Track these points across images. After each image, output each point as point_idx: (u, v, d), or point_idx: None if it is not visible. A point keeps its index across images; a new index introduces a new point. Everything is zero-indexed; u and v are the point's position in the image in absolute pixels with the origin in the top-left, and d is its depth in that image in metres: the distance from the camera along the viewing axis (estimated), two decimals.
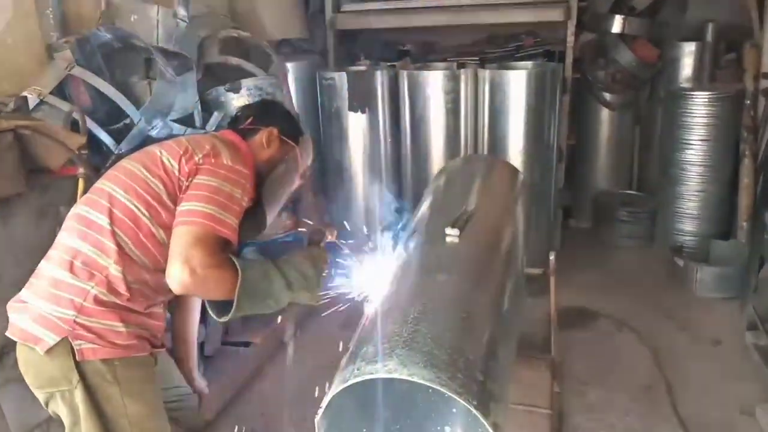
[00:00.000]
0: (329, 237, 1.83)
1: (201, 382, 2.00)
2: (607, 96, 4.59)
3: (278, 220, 3.61)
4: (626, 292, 3.75)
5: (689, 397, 2.72)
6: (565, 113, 4.08)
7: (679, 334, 3.28)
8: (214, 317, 1.65)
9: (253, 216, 1.74)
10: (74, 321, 1.43)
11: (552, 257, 2.48)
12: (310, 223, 2.08)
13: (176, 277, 1.44)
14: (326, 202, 4.07)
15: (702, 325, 3.35)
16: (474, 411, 1.32)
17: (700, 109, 3.93)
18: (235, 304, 1.49)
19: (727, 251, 3.79)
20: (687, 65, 4.29)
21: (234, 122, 1.92)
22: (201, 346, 2.80)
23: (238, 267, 1.49)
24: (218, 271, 1.48)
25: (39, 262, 1.53)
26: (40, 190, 1.71)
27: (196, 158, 1.59)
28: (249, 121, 1.86)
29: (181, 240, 1.47)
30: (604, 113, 4.67)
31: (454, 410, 1.72)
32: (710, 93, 3.91)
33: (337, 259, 1.84)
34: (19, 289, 1.52)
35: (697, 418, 2.57)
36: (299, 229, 3.64)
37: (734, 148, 3.94)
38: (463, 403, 1.32)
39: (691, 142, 4.00)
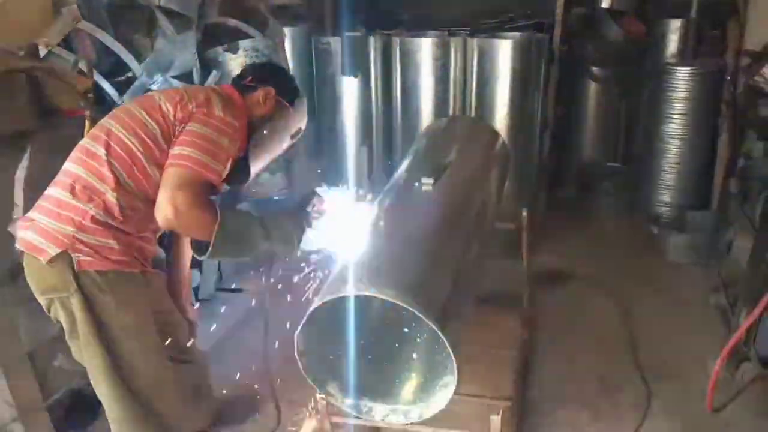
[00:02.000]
0: (317, 205, 1.97)
1: (192, 312, 2.19)
2: (595, 69, 4.72)
3: (272, 180, 3.78)
4: (603, 257, 3.93)
5: (650, 348, 2.93)
6: (552, 84, 4.22)
7: (649, 295, 3.47)
8: (195, 255, 1.84)
9: (237, 167, 1.91)
10: (74, 236, 1.63)
11: (524, 213, 2.65)
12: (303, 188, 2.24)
13: (162, 212, 1.62)
14: (319, 163, 4.22)
15: (671, 287, 3.54)
16: (433, 326, 1.50)
17: (682, 84, 4.08)
18: (211, 244, 1.66)
19: (702, 221, 3.96)
20: (672, 41, 4.42)
21: (237, 78, 2.08)
22: (196, 290, 2.98)
23: (218, 211, 1.66)
24: (200, 212, 1.65)
25: None
26: (50, 128, 1.87)
27: (190, 107, 1.76)
28: (249, 78, 2.03)
29: (170, 180, 1.65)
30: (592, 86, 4.81)
31: (419, 340, 1.92)
32: (692, 68, 4.04)
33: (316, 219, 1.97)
34: None
35: (655, 366, 2.78)
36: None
37: (714, 123, 4.09)
38: (424, 318, 1.50)
39: (673, 116, 4.15)
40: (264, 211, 1.98)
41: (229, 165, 1.81)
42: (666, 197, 4.28)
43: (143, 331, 1.80)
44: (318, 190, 2.05)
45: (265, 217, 1.80)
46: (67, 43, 2.62)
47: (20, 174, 1.86)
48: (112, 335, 1.72)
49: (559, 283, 3.62)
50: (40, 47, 2.39)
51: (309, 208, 1.94)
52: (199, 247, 1.75)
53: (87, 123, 1.92)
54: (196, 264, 2.60)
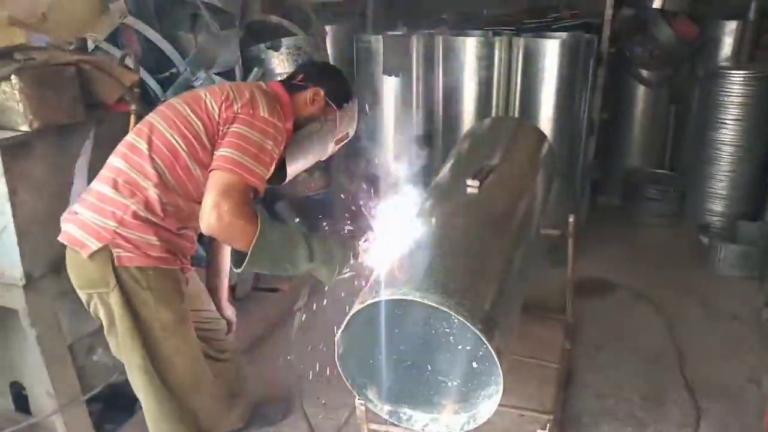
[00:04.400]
0: (369, 240, 1.84)
1: (230, 311, 2.17)
2: (644, 72, 4.56)
3: (310, 179, 3.76)
4: (648, 267, 3.79)
5: (699, 365, 2.79)
6: (599, 87, 4.09)
7: (697, 308, 3.33)
8: (232, 266, 1.80)
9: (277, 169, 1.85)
10: (115, 231, 1.61)
11: (571, 219, 2.56)
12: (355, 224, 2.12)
13: (205, 219, 1.59)
14: (358, 164, 4.19)
15: (721, 301, 3.38)
16: (478, 333, 1.44)
17: (737, 88, 3.92)
18: (247, 257, 1.61)
19: (754, 232, 3.79)
20: (727, 44, 4.24)
21: (289, 77, 2.03)
22: (233, 289, 2.97)
23: (259, 224, 1.60)
24: (242, 222, 1.60)
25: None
26: (96, 122, 1.88)
27: (236, 107, 1.72)
28: (300, 77, 1.97)
29: (216, 185, 1.61)
30: (640, 90, 4.65)
31: (461, 348, 1.85)
32: (748, 72, 3.88)
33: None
34: None
35: (705, 384, 2.64)
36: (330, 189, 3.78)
37: None
38: (468, 324, 1.44)
39: (726, 121, 3.99)
40: (303, 211, 1.93)
41: (273, 168, 1.78)
42: (717, 206, 4.12)
43: (181, 329, 1.78)
44: (373, 225, 1.92)
45: (312, 237, 1.73)
46: (113, 38, 2.65)
47: (81, 162, 1.86)
48: (150, 332, 1.71)
49: (602, 293, 3.50)
50: (88, 42, 2.42)
51: (360, 242, 1.82)
52: (238, 257, 1.70)
53: (132, 118, 1.92)
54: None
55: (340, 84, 2.04)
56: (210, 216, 1.58)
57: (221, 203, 1.58)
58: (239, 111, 1.72)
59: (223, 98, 1.74)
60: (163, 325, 1.72)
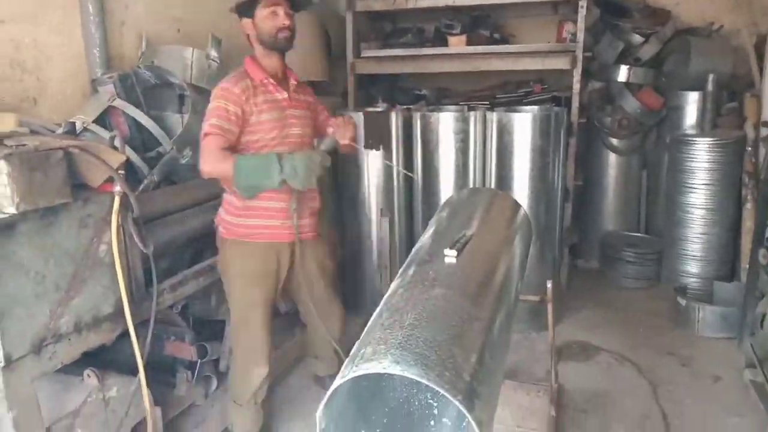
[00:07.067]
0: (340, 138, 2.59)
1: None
2: (614, 141, 4.77)
3: None
4: (629, 329, 3.84)
5: (685, 430, 2.79)
6: (572, 156, 4.26)
7: (679, 370, 3.35)
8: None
9: None
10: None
11: (549, 285, 2.61)
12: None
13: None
14: (340, 235, 4.25)
15: (702, 362, 3.42)
16: (458, 405, 1.45)
17: (702, 154, 4.10)
18: (232, 176, 2.26)
19: (730, 292, 3.87)
20: (690, 113, 4.47)
21: None
22: (216, 361, 2.94)
23: (234, 159, 2.26)
24: (218, 166, 2.30)
25: (78, 266, 1.73)
26: (82, 202, 1.92)
27: None
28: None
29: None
30: (612, 157, 4.84)
31: (445, 419, 1.86)
32: (712, 139, 4.08)
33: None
34: (59, 289, 1.72)
35: None
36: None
37: (737, 193, 4.07)
38: (449, 397, 1.46)
39: (695, 186, 4.15)
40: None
41: (224, 117, 2.34)
42: (692, 268, 4.21)
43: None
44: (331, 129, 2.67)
45: (282, 156, 2.28)
46: (102, 119, 2.75)
47: None
48: None
49: (585, 356, 3.52)
50: (77, 124, 2.51)
51: (323, 147, 2.52)
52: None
53: (117, 198, 1.97)
54: None
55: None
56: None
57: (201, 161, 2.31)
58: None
59: None
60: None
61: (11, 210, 1.80)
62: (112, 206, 1.98)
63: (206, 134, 2.29)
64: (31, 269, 1.83)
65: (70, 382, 2.12)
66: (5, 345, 1.79)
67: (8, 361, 1.80)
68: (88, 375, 2.10)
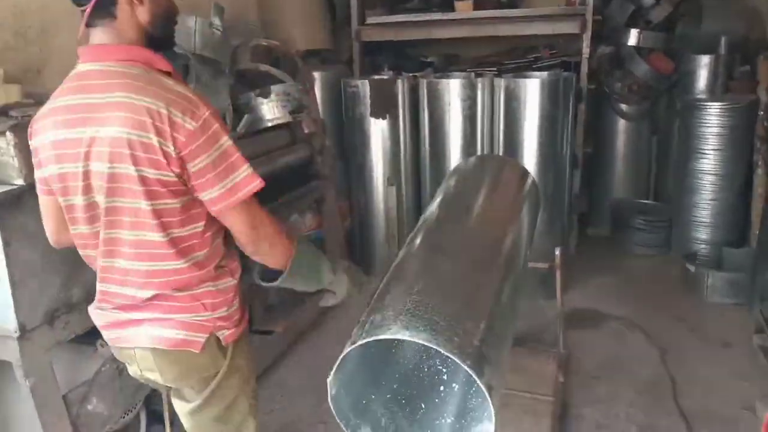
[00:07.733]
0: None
1: None
2: (624, 107, 4.70)
3: (302, 220, 3.81)
4: (639, 296, 3.84)
5: (693, 393, 2.80)
6: (581, 122, 4.21)
7: (688, 336, 3.36)
8: (258, 280, 1.76)
9: None
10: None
11: (558, 252, 2.60)
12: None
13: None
14: (348, 204, 4.25)
15: (711, 328, 3.42)
16: (468, 370, 1.46)
17: (714, 119, 4.03)
18: (286, 271, 1.65)
19: (740, 258, 3.85)
20: (702, 77, 4.38)
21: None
22: None
23: (295, 241, 1.66)
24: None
25: None
26: None
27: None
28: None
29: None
30: (621, 123, 4.77)
31: (455, 385, 1.87)
32: (724, 104, 4.00)
33: None
34: (69, 260, 1.72)
35: (699, 412, 2.65)
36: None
37: (748, 158, 4.01)
38: (459, 362, 1.47)
39: (706, 151, 4.09)
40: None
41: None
42: (702, 234, 4.18)
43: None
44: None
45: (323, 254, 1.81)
46: None
47: None
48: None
49: (594, 323, 3.53)
50: None
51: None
52: (267, 271, 1.70)
53: None
54: None
55: None
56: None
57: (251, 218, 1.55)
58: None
59: None
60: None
61: (19, 181, 1.81)
62: None
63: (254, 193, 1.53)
64: (41, 240, 1.85)
65: (83, 351, 2.15)
66: (19, 316, 1.82)
67: (23, 331, 1.83)
68: (101, 345, 2.12)
